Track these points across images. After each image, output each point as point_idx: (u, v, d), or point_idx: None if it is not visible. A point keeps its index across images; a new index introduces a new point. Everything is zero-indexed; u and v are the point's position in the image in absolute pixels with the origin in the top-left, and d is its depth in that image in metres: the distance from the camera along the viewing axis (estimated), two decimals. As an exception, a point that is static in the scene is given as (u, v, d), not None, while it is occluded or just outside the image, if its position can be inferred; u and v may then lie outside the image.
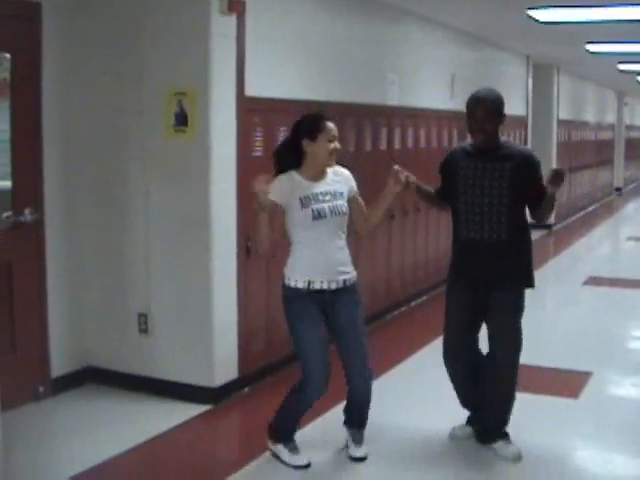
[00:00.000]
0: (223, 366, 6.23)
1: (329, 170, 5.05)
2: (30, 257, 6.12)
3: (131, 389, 6.36)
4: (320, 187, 4.97)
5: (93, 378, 6.54)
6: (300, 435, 5.29)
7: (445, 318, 5.49)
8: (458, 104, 10.47)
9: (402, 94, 9.19)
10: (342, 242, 5.04)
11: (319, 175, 5.00)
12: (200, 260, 6.10)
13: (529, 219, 5.37)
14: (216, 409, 6.10)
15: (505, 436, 5.39)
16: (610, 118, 24.51)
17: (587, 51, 12.82)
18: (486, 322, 5.35)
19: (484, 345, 5.37)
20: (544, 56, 14.75)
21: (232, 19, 6.11)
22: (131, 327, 6.40)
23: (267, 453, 5.24)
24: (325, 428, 5.72)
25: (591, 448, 5.63)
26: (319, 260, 4.93)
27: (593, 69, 17.24)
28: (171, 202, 6.17)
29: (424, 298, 9.80)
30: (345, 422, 5.36)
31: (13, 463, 4.93)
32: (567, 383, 6.74)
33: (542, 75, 16.08)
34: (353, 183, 5.17)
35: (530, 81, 15.02)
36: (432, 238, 10.01)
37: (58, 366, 6.31)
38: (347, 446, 5.32)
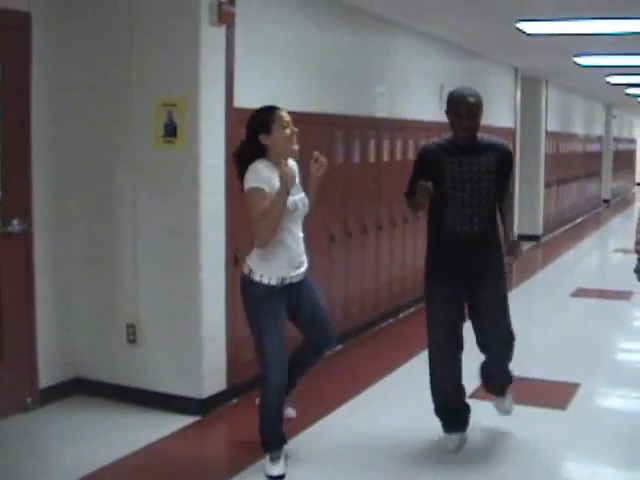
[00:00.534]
0: (212, 377, 6.22)
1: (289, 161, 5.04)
2: (18, 267, 6.10)
3: (119, 400, 6.35)
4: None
5: (81, 389, 6.51)
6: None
7: (431, 315, 5.53)
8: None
9: (391, 106, 9.22)
10: (301, 234, 5.17)
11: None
12: (189, 271, 6.10)
13: None
14: (205, 420, 6.10)
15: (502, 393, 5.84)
16: (598, 130, 24.59)
17: (575, 64, 12.86)
18: (477, 317, 5.48)
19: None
20: (533, 68, 14.80)
21: (221, 30, 6.12)
22: (119, 338, 6.39)
23: (255, 464, 5.25)
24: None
25: (579, 459, 5.64)
26: (291, 254, 5.06)
27: (581, 81, 17.30)
28: (160, 212, 6.17)
29: (412, 309, 9.80)
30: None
31: (1, 474, 4.91)
32: (555, 394, 6.75)
33: (530, 87, 16.13)
34: (296, 171, 5.12)
35: (518, 93, 15.07)
36: (420, 249, 10.00)
37: (46, 377, 6.28)
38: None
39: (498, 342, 5.57)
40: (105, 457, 5.31)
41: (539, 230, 16.82)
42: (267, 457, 5.16)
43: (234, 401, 6.37)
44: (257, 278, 5.00)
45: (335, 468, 5.33)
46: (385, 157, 9.02)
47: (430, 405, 5.71)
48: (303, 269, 5.16)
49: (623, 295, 10.82)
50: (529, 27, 9.26)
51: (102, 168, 6.40)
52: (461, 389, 5.67)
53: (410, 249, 9.73)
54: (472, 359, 5.64)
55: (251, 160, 4.98)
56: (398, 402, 6.51)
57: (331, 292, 7.98)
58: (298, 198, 5.04)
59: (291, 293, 5.12)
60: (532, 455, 5.53)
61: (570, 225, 19.78)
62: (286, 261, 5.04)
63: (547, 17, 8.67)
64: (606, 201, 25.80)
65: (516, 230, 14.75)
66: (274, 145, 4.99)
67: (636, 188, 33.75)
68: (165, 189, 6.13)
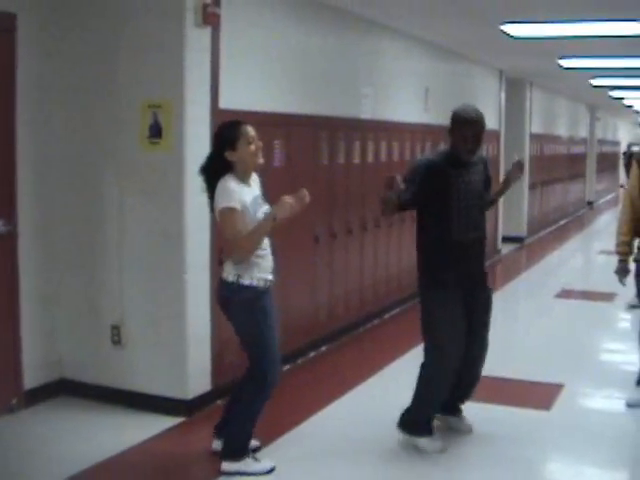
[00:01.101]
0: (196, 378, 6.22)
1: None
2: (3, 269, 6.08)
3: (104, 401, 6.34)
4: (254, 191, 5.15)
5: (66, 390, 6.50)
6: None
7: (443, 325, 5.48)
8: (431, 117, 10.58)
9: (376, 107, 9.24)
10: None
11: (249, 179, 5.15)
12: (174, 272, 6.11)
13: None
14: (189, 421, 6.10)
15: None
16: (582, 132, 24.68)
17: (560, 66, 12.92)
18: (470, 318, 5.58)
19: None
20: (517, 70, 14.84)
21: (207, 32, 6.13)
22: (104, 339, 6.38)
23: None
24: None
25: (563, 459, 5.68)
26: (268, 259, 5.16)
27: (566, 84, 17.36)
28: (145, 214, 6.18)
29: (397, 310, 9.83)
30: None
31: (-15, 475, 4.92)
32: (539, 395, 6.78)
33: (515, 89, 16.18)
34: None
35: (503, 95, 15.11)
36: (406, 250, 10.04)
37: (31, 378, 6.27)
38: None
39: (482, 343, 5.74)
40: (90, 458, 5.31)
41: (523, 232, 16.87)
42: (249, 460, 5.21)
43: (219, 402, 6.36)
44: (246, 282, 5.04)
45: (321, 468, 5.35)
46: (370, 158, 9.04)
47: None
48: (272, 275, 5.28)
49: (607, 296, 10.86)
50: (514, 29, 9.30)
51: (87, 169, 6.40)
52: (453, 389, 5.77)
53: (395, 250, 9.76)
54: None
55: (219, 174, 5.05)
56: (384, 403, 6.51)
57: (316, 293, 8.02)
58: (266, 210, 5.11)
59: (268, 296, 5.23)
60: (516, 455, 5.56)
61: (554, 227, 19.84)
62: (269, 266, 5.16)
63: (531, 19, 8.71)
64: (590, 203, 25.89)
65: (500, 231, 14.82)
66: (240, 161, 5.06)
67: (620, 190, 33.90)
68: (150, 190, 6.13)
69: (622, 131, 36.02)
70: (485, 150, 13.40)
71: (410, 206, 5.57)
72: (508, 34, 9.56)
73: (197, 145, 6.06)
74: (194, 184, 5.87)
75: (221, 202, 4.96)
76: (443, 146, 5.98)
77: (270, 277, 5.15)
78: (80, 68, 6.31)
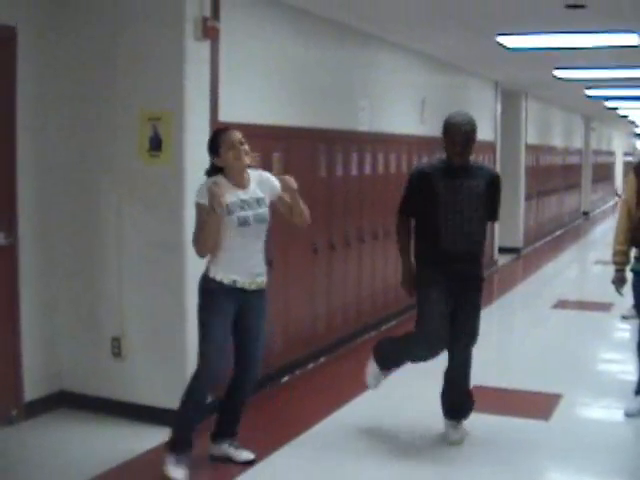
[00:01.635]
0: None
1: (254, 174, 5.38)
2: (3, 281, 6.10)
3: (104, 413, 6.36)
4: (243, 194, 5.26)
5: (66, 402, 6.51)
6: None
7: (425, 309, 5.72)
8: (428, 129, 10.61)
9: (373, 120, 9.28)
10: (261, 246, 5.36)
11: (241, 181, 5.29)
12: (173, 284, 6.13)
13: None
14: (190, 433, 6.11)
15: (460, 418, 5.99)
16: (577, 143, 24.74)
17: (555, 77, 12.96)
18: (454, 321, 5.72)
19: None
20: (512, 82, 14.89)
21: (206, 45, 6.17)
22: (104, 351, 6.40)
23: (238, 477, 5.29)
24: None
25: (562, 469, 5.70)
26: (242, 262, 5.25)
27: (561, 95, 17.41)
28: (145, 226, 6.20)
29: (394, 322, 9.84)
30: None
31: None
32: (538, 405, 6.81)
33: (510, 100, 16.23)
34: (275, 183, 5.45)
35: (499, 106, 15.16)
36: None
37: (31, 390, 6.28)
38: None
39: (463, 353, 5.86)
40: (90, 470, 5.33)
41: (519, 242, 16.89)
42: (172, 458, 5.29)
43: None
44: (211, 275, 5.25)
45: None
46: (367, 170, 9.08)
47: (416, 414, 5.77)
48: (258, 280, 5.33)
49: (604, 306, 10.89)
50: (509, 41, 9.34)
51: (87, 182, 6.42)
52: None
53: (392, 262, 9.75)
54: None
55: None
56: (382, 414, 6.52)
57: (314, 304, 8.04)
58: (252, 214, 5.23)
59: (241, 298, 5.30)
60: (516, 465, 5.58)
61: (550, 237, 19.87)
62: (236, 269, 5.26)
63: (526, 31, 8.75)
64: (585, 213, 25.94)
65: (497, 242, 14.85)
66: (226, 166, 5.26)
67: (615, 200, 33.97)
68: (150, 202, 6.16)
69: (617, 141, 36.10)
70: (481, 161, 13.47)
71: (411, 214, 5.85)
72: (504, 46, 9.60)
73: (197, 157, 6.07)
74: (194, 196, 5.90)
75: (195, 197, 5.24)
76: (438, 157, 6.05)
77: (237, 279, 5.24)
78: (80, 80, 6.34)
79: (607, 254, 6.81)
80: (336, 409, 6.67)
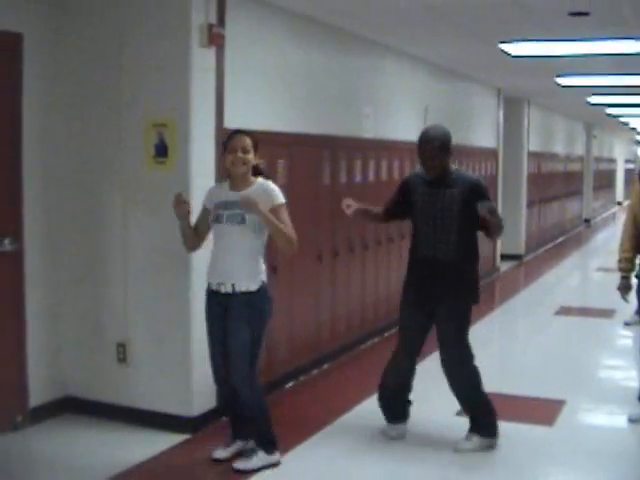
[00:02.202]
0: (201, 395, 6.25)
1: (261, 183, 5.47)
2: (9, 286, 6.12)
3: (109, 419, 6.37)
4: (234, 196, 5.36)
5: (71, 408, 6.52)
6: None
7: (400, 323, 6.13)
8: (432, 136, 10.60)
9: (377, 126, 9.30)
10: (239, 250, 5.36)
11: (239, 185, 5.43)
12: (179, 289, 6.15)
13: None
14: (194, 438, 6.12)
15: (477, 432, 5.93)
16: (579, 150, 24.77)
17: (557, 84, 12.99)
18: (437, 333, 5.92)
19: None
20: (515, 89, 14.92)
21: (212, 52, 6.19)
22: (110, 357, 6.42)
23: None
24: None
25: (566, 475, 5.70)
26: (215, 263, 5.42)
27: (563, 102, 17.45)
28: (150, 232, 6.22)
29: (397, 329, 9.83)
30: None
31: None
32: (541, 411, 6.81)
33: (513, 108, 16.26)
34: (274, 197, 5.44)
35: (501, 113, 15.19)
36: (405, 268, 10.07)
37: (37, 396, 6.30)
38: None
39: (446, 355, 5.93)
40: (95, 475, 5.34)
41: (521, 249, 16.91)
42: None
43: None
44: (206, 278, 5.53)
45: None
46: (371, 177, 9.10)
47: (420, 419, 5.79)
48: (231, 282, 5.36)
49: (606, 313, 10.91)
50: (512, 48, 9.36)
51: (93, 188, 6.44)
52: (405, 390, 6.16)
53: (395, 268, 9.77)
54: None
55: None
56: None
57: (319, 311, 8.05)
58: (228, 213, 5.36)
59: (222, 301, 5.42)
60: (520, 471, 5.60)
61: (552, 244, 19.89)
62: (212, 271, 5.45)
63: (530, 38, 8.77)
64: (587, 220, 25.95)
65: (499, 249, 14.87)
66: (227, 168, 5.47)
67: (616, 207, 34.00)
68: (155, 209, 6.17)
69: (618, 149, 36.13)
70: (483, 167, 13.52)
71: (391, 214, 6.24)
72: (507, 53, 9.63)
73: (202, 164, 6.12)
74: (199, 202, 5.93)
75: None
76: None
77: (211, 280, 5.44)
78: (86, 87, 6.37)
79: (609, 261, 6.85)
80: (340, 415, 6.68)
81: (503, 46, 9.24)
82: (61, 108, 6.37)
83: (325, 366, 8.17)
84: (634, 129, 28.05)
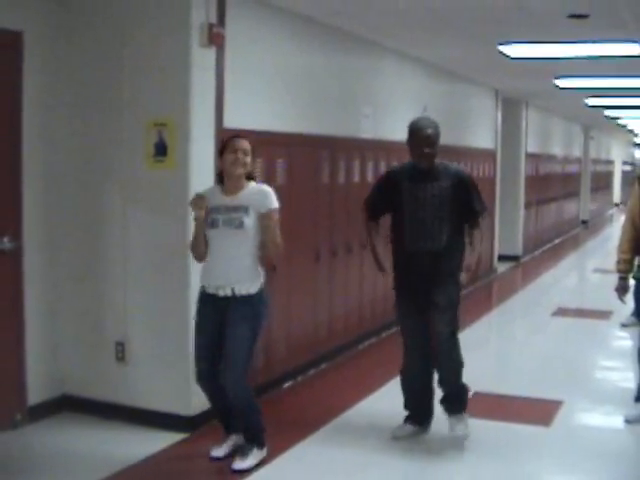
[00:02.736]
0: (200, 394, 6.17)
1: (255, 186, 5.48)
2: (8, 284, 6.12)
3: (108, 417, 6.37)
4: (229, 200, 5.40)
5: (70, 406, 6.53)
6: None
7: (399, 322, 6.17)
8: (430, 137, 10.61)
9: (375, 127, 9.31)
10: (238, 254, 5.38)
11: (234, 189, 5.43)
12: (178, 289, 6.15)
13: None
14: (193, 437, 6.12)
15: (458, 413, 6.05)
16: (577, 152, 24.79)
17: (556, 86, 13.01)
18: (429, 320, 5.93)
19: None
20: (513, 90, 14.93)
21: (212, 52, 6.21)
22: (108, 355, 6.43)
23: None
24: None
25: (563, 476, 5.71)
26: (212, 267, 5.42)
27: (561, 103, 17.46)
28: (150, 231, 6.24)
29: (395, 329, 9.83)
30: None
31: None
32: (539, 411, 6.82)
33: (511, 109, 16.26)
34: (267, 201, 5.45)
35: (499, 115, 15.20)
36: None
37: (35, 394, 6.30)
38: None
39: (440, 350, 5.97)
40: (94, 474, 5.34)
41: (519, 250, 16.92)
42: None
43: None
44: (200, 280, 5.55)
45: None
46: (370, 177, 9.10)
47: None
48: (229, 287, 5.39)
49: (603, 314, 10.93)
50: (511, 50, 9.38)
51: (93, 187, 6.46)
52: (428, 390, 6.14)
53: (393, 268, 9.78)
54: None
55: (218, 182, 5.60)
56: (384, 421, 6.54)
57: (316, 311, 8.06)
58: (222, 217, 5.37)
59: (219, 304, 5.43)
60: (517, 471, 5.61)
61: (549, 245, 19.91)
62: (207, 275, 5.48)
63: (529, 40, 8.79)
64: (584, 222, 25.97)
65: (496, 250, 14.88)
66: (224, 168, 5.45)
67: (614, 209, 34.03)
68: (155, 208, 6.19)
69: (616, 150, 36.17)
70: (481, 169, 13.54)
71: (375, 213, 6.14)
72: (506, 55, 9.65)
73: (202, 163, 6.13)
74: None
75: None
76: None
77: (206, 284, 5.47)
78: (86, 86, 6.38)
79: (606, 262, 6.88)
80: (338, 415, 6.68)
81: (502, 48, 9.26)
82: (61, 106, 6.38)
83: (323, 366, 8.18)
84: (632, 131, 28.07)
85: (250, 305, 5.39)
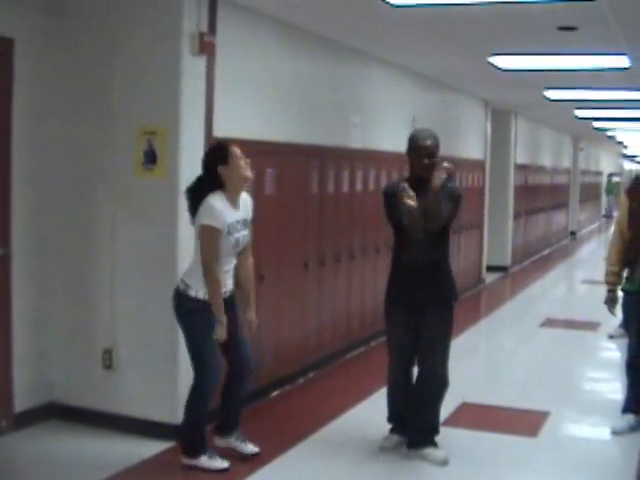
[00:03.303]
0: (187, 402, 6.25)
1: (244, 196, 5.58)
2: (-4, 291, 6.12)
3: (95, 425, 6.36)
4: (237, 214, 5.48)
5: (57, 414, 6.51)
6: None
7: (388, 338, 6.11)
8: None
9: (364, 136, 9.33)
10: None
11: (237, 200, 5.50)
12: (166, 297, 6.11)
13: None
14: (179, 445, 6.10)
15: (434, 443, 5.90)
16: (566, 163, 24.86)
17: (545, 97, 13.05)
18: (418, 336, 5.87)
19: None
20: (503, 101, 14.97)
21: (202, 60, 6.22)
22: (96, 363, 6.41)
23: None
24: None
25: (550, 486, 5.73)
26: (227, 276, 5.57)
27: (550, 115, 17.51)
28: (139, 239, 6.23)
29: (384, 338, 9.84)
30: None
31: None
32: (526, 422, 6.84)
33: (500, 120, 16.29)
34: (251, 211, 5.66)
35: (489, 125, 15.24)
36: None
37: (22, 401, 6.27)
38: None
39: (430, 371, 5.90)
40: (80, 481, 5.34)
41: (507, 261, 16.95)
42: (205, 457, 5.58)
43: (209, 427, 6.40)
44: (192, 294, 5.47)
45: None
46: (358, 187, 9.12)
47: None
48: (230, 289, 5.62)
49: (591, 326, 10.96)
50: (501, 61, 9.41)
51: (82, 194, 6.45)
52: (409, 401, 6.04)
53: (382, 278, 9.76)
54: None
55: (206, 194, 5.41)
56: (372, 429, 6.54)
57: (305, 320, 8.06)
58: (241, 235, 5.49)
59: (230, 307, 5.60)
60: (504, 481, 5.63)
61: (538, 256, 19.95)
62: (224, 280, 5.53)
63: (518, 52, 8.82)
64: (573, 233, 26.04)
65: (485, 260, 14.90)
66: (231, 173, 5.42)
67: (602, 220, 34.12)
68: (144, 216, 6.19)
69: (604, 162, 36.28)
70: (471, 180, 13.58)
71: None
72: (496, 66, 9.68)
73: (191, 172, 6.08)
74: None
75: (204, 219, 5.35)
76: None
77: (225, 290, 5.55)
78: (76, 93, 6.39)
79: (594, 273, 6.90)
80: (326, 423, 6.69)
81: (492, 59, 9.29)
82: (51, 113, 6.38)
83: (311, 375, 8.18)
84: (621, 143, 28.16)
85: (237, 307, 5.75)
